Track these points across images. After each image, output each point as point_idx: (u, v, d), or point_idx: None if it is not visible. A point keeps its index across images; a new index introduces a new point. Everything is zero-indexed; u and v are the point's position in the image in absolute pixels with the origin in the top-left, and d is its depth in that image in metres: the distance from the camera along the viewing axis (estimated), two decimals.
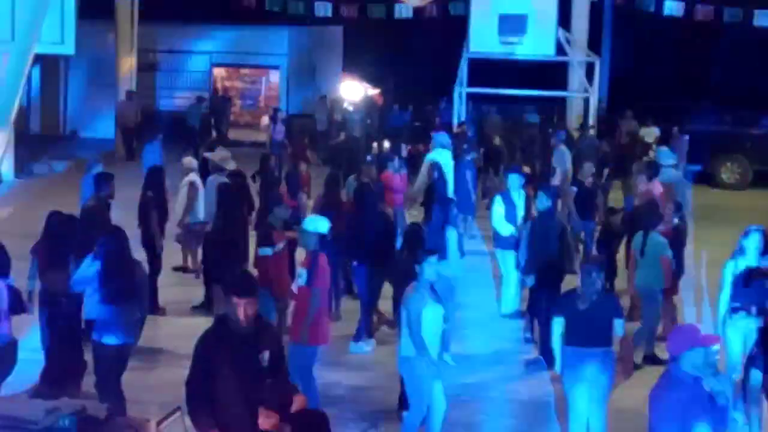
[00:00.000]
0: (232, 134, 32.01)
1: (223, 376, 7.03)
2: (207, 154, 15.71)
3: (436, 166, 17.06)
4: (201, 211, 15.22)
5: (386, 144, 29.11)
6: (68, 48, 25.14)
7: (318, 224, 10.47)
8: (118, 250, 9.95)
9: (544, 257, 12.50)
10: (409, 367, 9.44)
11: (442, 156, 18.06)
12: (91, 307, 9.85)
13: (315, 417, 6.59)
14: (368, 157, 19.24)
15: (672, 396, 6.67)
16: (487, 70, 27.25)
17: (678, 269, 13.19)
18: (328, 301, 13.26)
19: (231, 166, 15.04)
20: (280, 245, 11.37)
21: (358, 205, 13.71)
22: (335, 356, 12.51)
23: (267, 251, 11.24)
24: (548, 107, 30.46)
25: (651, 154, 18.99)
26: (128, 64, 29.81)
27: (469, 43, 26.53)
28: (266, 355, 7.24)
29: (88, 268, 9.80)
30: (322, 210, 13.38)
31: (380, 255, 12.79)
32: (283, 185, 14.89)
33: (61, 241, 10.84)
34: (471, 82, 27.31)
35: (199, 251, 15.14)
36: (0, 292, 9.27)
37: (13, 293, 9.59)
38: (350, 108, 31.38)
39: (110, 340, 9.71)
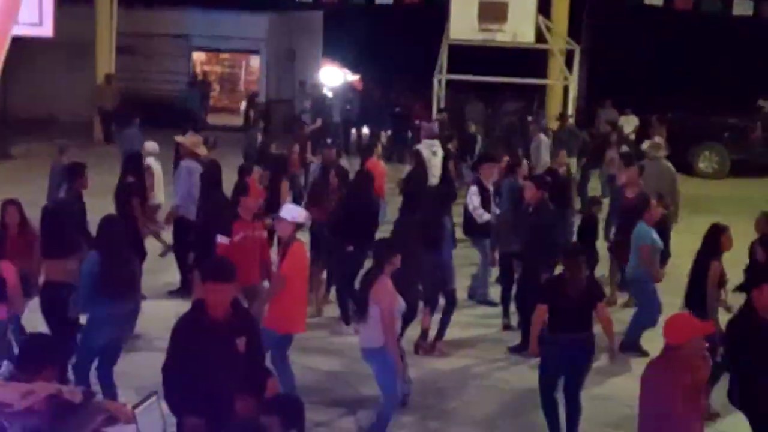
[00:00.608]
0: (211, 119, 31.92)
1: (200, 362, 7.05)
2: (179, 139, 15.63)
3: (415, 155, 17.08)
4: (160, 194, 15.29)
5: (365, 130, 29.21)
6: (46, 30, 25.06)
7: (294, 213, 10.45)
8: (116, 240, 9.93)
9: (535, 247, 12.54)
10: (381, 356, 9.46)
11: (430, 145, 18.09)
12: (87, 299, 9.78)
13: (289, 402, 6.59)
14: (329, 140, 19.13)
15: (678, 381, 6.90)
16: (466, 57, 27.25)
17: (662, 257, 13.37)
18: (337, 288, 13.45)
19: (203, 151, 15.02)
20: (240, 235, 11.32)
21: (356, 190, 13.82)
22: (312, 342, 12.53)
23: (224, 240, 11.22)
24: (528, 95, 30.49)
25: (645, 144, 18.83)
26: (107, 47, 29.68)
27: (449, 29, 26.53)
28: (242, 340, 7.25)
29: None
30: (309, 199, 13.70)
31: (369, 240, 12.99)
32: (257, 171, 14.81)
33: (60, 230, 10.82)
34: (451, 69, 27.32)
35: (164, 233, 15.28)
36: None
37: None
38: (329, 93, 31.33)
39: (102, 335, 9.71)
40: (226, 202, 12.78)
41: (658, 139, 17.39)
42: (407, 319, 10.80)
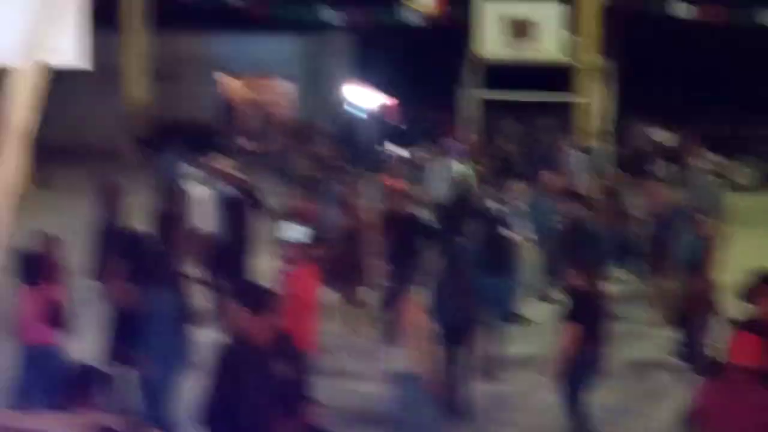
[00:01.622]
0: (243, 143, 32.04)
1: (244, 392, 6.98)
2: (211, 164, 15.62)
3: (460, 180, 17.09)
4: (199, 220, 15.45)
5: (391, 148, 29.25)
6: (84, 62, 25.22)
7: (296, 234, 10.53)
8: (177, 274, 10.02)
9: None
10: (413, 381, 9.47)
11: (459, 167, 18.09)
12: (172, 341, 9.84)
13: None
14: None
15: None
16: (498, 74, 27.24)
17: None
18: None
19: (236, 174, 15.03)
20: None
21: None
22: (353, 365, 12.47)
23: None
24: (559, 112, 30.45)
25: (692, 160, 18.65)
26: (136, 72, 29.86)
27: (477, 48, 26.55)
28: (284, 365, 7.20)
29: None
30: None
31: None
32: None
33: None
34: (482, 87, 27.32)
35: None
36: None
37: None
38: (361, 115, 31.47)
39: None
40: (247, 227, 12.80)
41: (709, 155, 17.32)
42: (464, 341, 10.85)
